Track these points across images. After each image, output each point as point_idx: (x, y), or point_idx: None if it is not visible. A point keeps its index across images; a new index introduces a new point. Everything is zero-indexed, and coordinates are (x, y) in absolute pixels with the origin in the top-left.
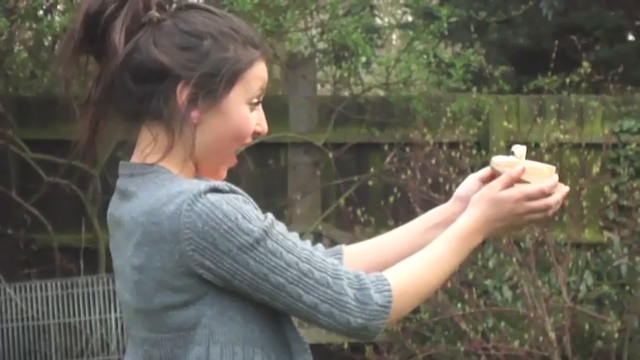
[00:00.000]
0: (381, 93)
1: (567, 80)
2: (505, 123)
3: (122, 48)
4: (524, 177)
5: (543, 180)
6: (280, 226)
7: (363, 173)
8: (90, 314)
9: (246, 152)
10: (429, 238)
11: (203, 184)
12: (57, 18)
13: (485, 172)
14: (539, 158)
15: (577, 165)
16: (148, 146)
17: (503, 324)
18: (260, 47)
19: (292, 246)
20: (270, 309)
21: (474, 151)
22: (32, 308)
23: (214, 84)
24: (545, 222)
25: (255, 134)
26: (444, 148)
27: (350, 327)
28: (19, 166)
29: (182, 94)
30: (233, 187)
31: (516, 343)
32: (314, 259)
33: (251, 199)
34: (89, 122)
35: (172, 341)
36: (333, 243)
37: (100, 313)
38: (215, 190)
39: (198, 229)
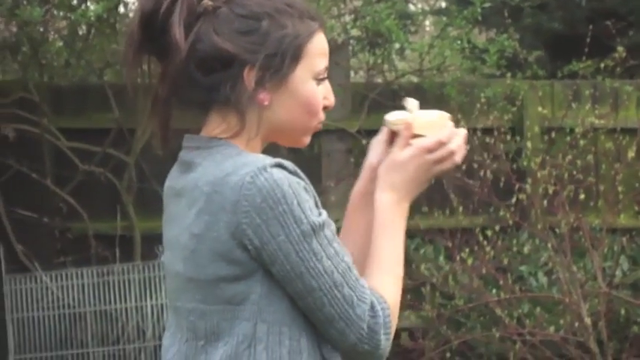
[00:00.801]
0: (415, 79)
1: (602, 65)
2: (539, 108)
3: (184, 42)
4: (419, 131)
5: (439, 130)
6: (330, 229)
7: None
8: (126, 302)
9: None
10: (368, 217)
11: (269, 159)
12: (91, 7)
13: (383, 133)
14: (574, 144)
15: (612, 150)
16: (216, 128)
17: (538, 310)
18: (317, 18)
19: (334, 253)
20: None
21: (509, 137)
22: (68, 296)
23: (279, 63)
24: (454, 169)
25: (324, 108)
26: (478, 134)
27: (355, 350)
28: (54, 154)
29: (249, 77)
30: (298, 170)
31: (552, 329)
32: (349, 274)
33: (312, 189)
34: (161, 120)
35: (220, 314)
36: None
37: (135, 301)
38: (280, 166)
39: (256, 204)
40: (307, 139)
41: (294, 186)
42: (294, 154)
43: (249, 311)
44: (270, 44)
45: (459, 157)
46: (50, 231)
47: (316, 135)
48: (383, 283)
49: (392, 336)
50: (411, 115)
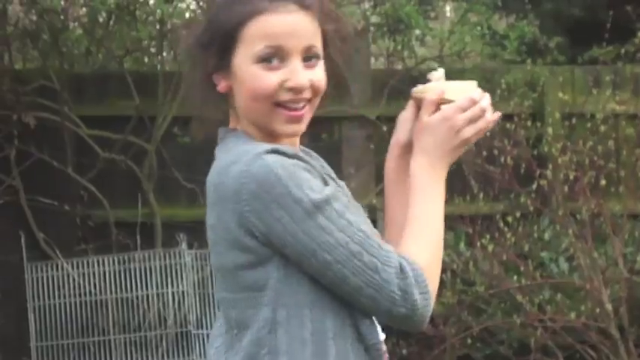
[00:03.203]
0: (435, 65)
1: (622, 51)
2: (560, 94)
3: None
4: (448, 97)
5: (468, 94)
6: (339, 203)
7: None
8: (147, 289)
9: None
10: (405, 193)
11: (266, 146)
12: None
13: (410, 109)
14: (595, 130)
15: (633, 136)
16: (232, 119)
17: (559, 296)
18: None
19: (346, 225)
20: None
21: (529, 123)
22: (89, 284)
23: (217, 50)
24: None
25: (292, 90)
26: (499, 120)
27: (392, 315)
28: (75, 142)
29: (207, 65)
30: (299, 153)
31: (573, 315)
32: (367, 242)
33: (318, 169)
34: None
35: (245, 301)
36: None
37: (156, 288)
38: (275, 152)
39: (254, 191)
40: (288, 128)
41: (289, 168)
42: (314, 141)
43: (268, 297)
44: (210, 32)
45: (490, 116)
46: (71, 219)
47: (336, 122)
48: (415, 246)
49: (432, 297)
50: (437, 83)
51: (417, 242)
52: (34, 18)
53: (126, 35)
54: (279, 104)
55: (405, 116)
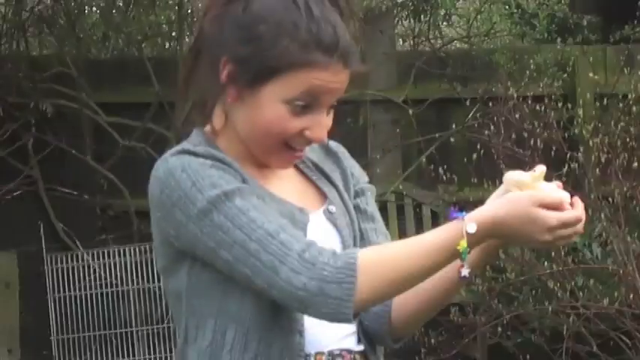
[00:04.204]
0: (463, 46)
1: None
2: (591, 74)
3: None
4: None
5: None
6: (244, 200)
7: (445, 130)
8: None
9: None
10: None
11: (178, 147)
12: None
13: (502, 190)
14: (627, 110)
15: None
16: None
17: (592, 282)
18: (333, 55)
19: (246, 222)
20: (222, 276)
21: (560, 104)
22: (110, 274)
23: (250, 69)
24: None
25: (306, 140)
26: (529, 101)
27: (306, 312)
28: (94, 130)
29: (225, 69)
30: (211, 150)
31: (606, 301)
32: (267, 241)
33: (235, 167)
34: None
35: (173, 309)
36: (415, 202)
37: None
38: (184, 152)
39: (157, 196)
40: (283, 165)
41: (190, 168)
42: (339, 126)
43: (184, 305)
44: (254, 47)
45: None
46: (91, 208)
47: (361, 106)
48: (380, 248)
49: (370, 286)
50: (529, 178)
51: (387, 250)
52: (50, 2)
53: (144, 20)
54: (288, 145)
55: (497, 193)
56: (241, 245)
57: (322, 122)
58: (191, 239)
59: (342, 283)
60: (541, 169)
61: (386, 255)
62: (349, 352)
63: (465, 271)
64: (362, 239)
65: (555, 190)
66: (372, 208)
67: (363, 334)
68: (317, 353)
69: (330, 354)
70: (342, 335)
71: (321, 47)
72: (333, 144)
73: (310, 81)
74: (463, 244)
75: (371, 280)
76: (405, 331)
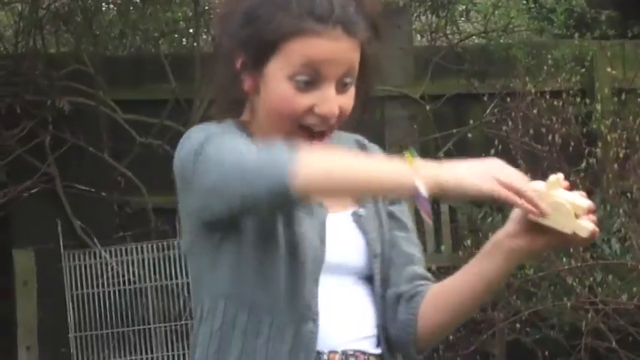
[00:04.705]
0: (480, 41)
1: None
2: (609, 69)
3: None
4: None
5: (565, 218)
6: (211, 143)
7: (463, 126)
8: (187, 276)
9: None
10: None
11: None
12: None
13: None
14: None
15: None
16: None
17: (611, 277)
18: (330, 22)
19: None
20: (238, 258)
21: (578, 100)
22: (128, 272)
23: (252, 51)
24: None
25: (322, 117)
26: (547, 97)
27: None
28: (111, 127)
29: (237, 60)
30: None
31: (625, 297)
32: (238, 154)
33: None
34: None
35: (193, 290)
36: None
37: None
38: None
39: (176, 165)
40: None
41: (208, 128)
42: (356, 123)
43: (202, 286)
44: (253, 27)
45: (520, 201)
46: (108, 205)
47: (378, 102)
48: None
49: (308, 173)
50: (544, 187)
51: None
52: (67, 0)
53: (161, 16)
54: (303, 126)
55: (512, 217)
56: (217, 164)
57: (330, 96)
58: (194, 190)
59: (283, 152)
60: (556, 176)
61: (332, 154)
62: (364, 353)
63: (420, 185)
64: (393, 247)
65: (579, 199)
66: (407, 218)
67: (385, 341)
68: (330, 352)
69: (344, 353)
70: (359, 337)
71: (314, 16)
72: (369, 143)
73: (307, 52)
74: (409, 157)
75: (310, 161)
76: (429, 342)
